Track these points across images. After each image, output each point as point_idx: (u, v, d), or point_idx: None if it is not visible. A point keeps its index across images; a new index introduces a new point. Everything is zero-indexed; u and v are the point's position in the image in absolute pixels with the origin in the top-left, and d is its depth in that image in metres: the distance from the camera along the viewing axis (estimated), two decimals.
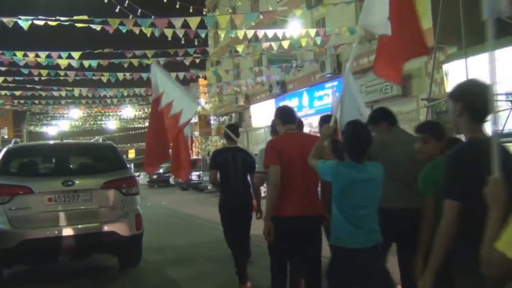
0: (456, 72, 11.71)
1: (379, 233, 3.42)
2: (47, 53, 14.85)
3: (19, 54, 14.62)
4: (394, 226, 3.74)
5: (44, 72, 17.48)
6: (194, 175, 23.69)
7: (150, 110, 6.03)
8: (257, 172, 5.52)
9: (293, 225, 4.05)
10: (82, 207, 6.38)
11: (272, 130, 5.26)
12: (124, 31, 12.41)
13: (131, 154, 60.29)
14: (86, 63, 15.86)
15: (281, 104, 21.68)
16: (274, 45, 15.37)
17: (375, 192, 3.40)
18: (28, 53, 14.83)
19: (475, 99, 2.52)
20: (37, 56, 15.00)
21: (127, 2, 14.40)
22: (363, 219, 3.35)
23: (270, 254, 4.34)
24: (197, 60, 17.22)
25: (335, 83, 17.73)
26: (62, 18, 11.49)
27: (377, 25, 4.21)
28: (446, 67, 12.83)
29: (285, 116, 4.50)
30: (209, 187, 21.21)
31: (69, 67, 16.49)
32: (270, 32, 14.67)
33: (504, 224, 1.81)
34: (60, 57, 14.87)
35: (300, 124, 5.37)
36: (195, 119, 40.92)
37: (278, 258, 4.30)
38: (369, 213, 3.38)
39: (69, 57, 14.88)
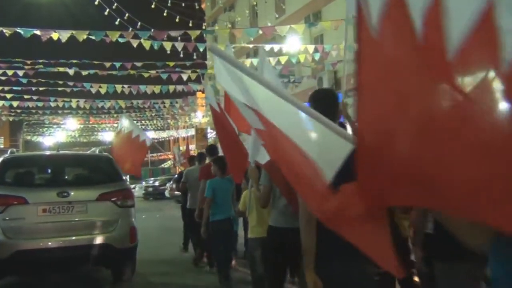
0: None
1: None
2: (45, 61, 14.93)
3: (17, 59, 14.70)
4: None
5: (42, 81, 17.53)
6: None
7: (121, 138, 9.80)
8: (182, 182, 8.74)
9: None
10: (77, 219, 6.34)
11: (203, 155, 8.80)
12: (122, 41, 12.49)
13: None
14: (84, 73, 15.92)
15: None
16: (272, 60, 15.47)
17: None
18: (27, 61, 14.90)
19: None
20: (35, 64, 15.06)
21: (127, 15, 14.52)
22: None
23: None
24: (195, 74, 17.29)
25: None
26: (61, 36, 11.53)
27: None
28: None
29: (210, 151, 7.85)
30: None
31: (67, 78, 16.55)
32: (268, 48, 14.78)
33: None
34: (58, 64, 14.95)
35: None
36: (191, 133, 40.92)
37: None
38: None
39: (68, 66, 14.96)
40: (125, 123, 10.00)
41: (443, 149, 1.50)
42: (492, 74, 1.33)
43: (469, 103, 1.39)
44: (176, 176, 15.57)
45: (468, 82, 1.38)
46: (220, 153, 7.10)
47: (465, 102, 1.40)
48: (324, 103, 2.82)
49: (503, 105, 1.34)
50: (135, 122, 37.65)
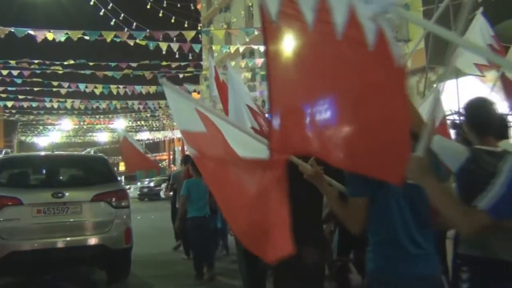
0: (447, 92, 11.84)
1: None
2: (40, 61, 14.89)
3: (12, 62, 14.63)
4: None
5: (37, 81, 17.48)
6: None
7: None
8: (170, 184, 9.65)
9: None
10: (72, 220, 6.32)
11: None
12: (118, 41, 12.47)
13: (122, 167, 59.71)
14: (80, 73, 15.91)
15: None
16: None
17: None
18: (22, 61, 14.86)
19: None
20: (30, 64, 15.02)
21: (122, 15, 14.49)
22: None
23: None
24: (190, 74, 17.29)
25: None
26: (56, 36, 11.50)
27: None
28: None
29: (187, 158, 8.14)
30: None
31: (62, 78, 16.51)
32: (263, 48, 14.78)
33: None
34: (53, 64, 14.92)
35: None
36: None
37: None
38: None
39: (63, 66, 14.93)
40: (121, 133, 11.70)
41: (341, 115, 1.99)
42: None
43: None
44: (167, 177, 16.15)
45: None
46: None
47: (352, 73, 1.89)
48: None
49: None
50: (131, 121, 37.24)
